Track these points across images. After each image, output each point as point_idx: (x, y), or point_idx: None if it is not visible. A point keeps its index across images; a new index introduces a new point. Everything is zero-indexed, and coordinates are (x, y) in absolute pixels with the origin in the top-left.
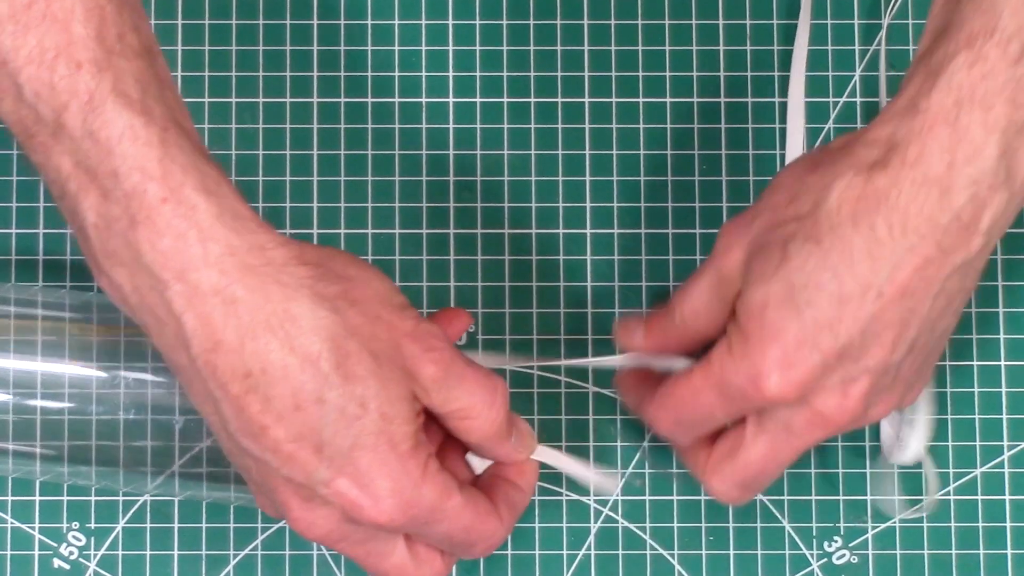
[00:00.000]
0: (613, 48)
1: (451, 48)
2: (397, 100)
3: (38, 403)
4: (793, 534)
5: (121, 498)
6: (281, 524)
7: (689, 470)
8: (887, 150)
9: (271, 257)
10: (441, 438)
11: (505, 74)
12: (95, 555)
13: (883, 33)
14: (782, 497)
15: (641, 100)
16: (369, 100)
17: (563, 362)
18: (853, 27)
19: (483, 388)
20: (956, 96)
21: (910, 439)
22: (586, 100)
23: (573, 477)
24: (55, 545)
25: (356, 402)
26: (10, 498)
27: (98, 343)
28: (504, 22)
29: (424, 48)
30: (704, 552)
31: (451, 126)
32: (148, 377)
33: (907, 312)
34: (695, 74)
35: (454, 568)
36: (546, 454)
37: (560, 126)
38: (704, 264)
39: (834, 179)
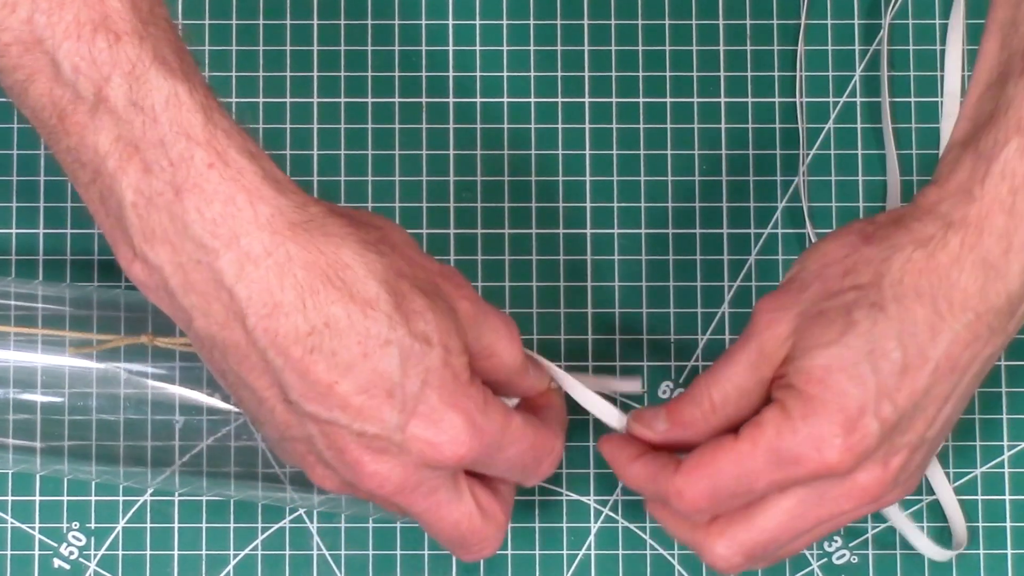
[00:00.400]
0: (613, 48)
1: (451, 48)
2: (397, 100)
3: (38, 398)
4: None
5: (121, 498)
6: (281, 524)
7: (678, 535)
8: (945, 229)
9: (313, 213)
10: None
11: (505, 74)
12: (95, 555)
13: (883, 33)
14: None
15: (641, 100)
16: (369, 100)
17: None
18: (853, 27)
19: (504, 325)
20: (1011, 184)
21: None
22: (586, 100)
23: (590, 399)
24: (55, 545)
25: (420, 338)
26: (10, 498)
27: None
28: (504, 22)
29: (424, 48)
30: None
31: (451, 126)
32: (149, 369)
33: (951, 387)
34: (695, 74)
35: (453, 568)
36: (563, 380)
37: (560, 126)
38: (740, 343)
39: (894, 252)
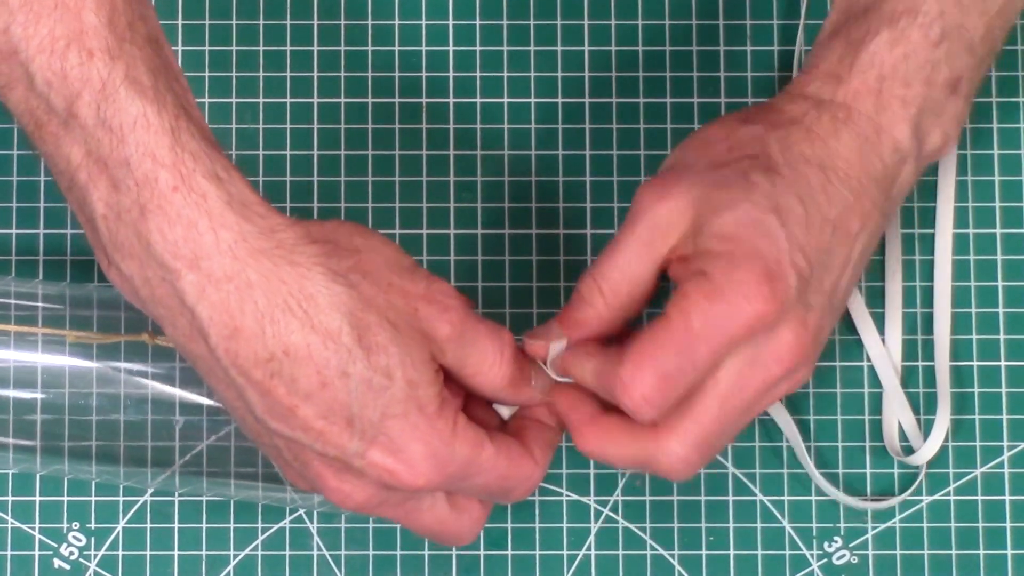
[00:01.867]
0: (613, 48)
1: (451, 48)
2: (397, 100)
3: (38, 396)
4: (793, 534)
5: (121, 498)
6: (281, 524)
7: (626, 454)
8: (817, 108)
9: (281, 239)
10: (465, 390)
11: (506, 74)
12: (95, 555)
13: None
14: (782, 497)
15: (641, 100)
16: (369, 100)
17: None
18: None
19: (492, 343)
20: (879, 71)
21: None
22: (586, 100)
23: None
24: (55, 545)
25: (381, 372)
26: (10, 498)
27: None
28: (504, 22)
29: (424, 48)
30: (704, 552)
31: (451, 126)
32: (149, 370)
33: (847, 252)
34: (695, 74)
35: (453, 569)
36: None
37: (560, 126)
38: (625, 229)
39: (774, 128)
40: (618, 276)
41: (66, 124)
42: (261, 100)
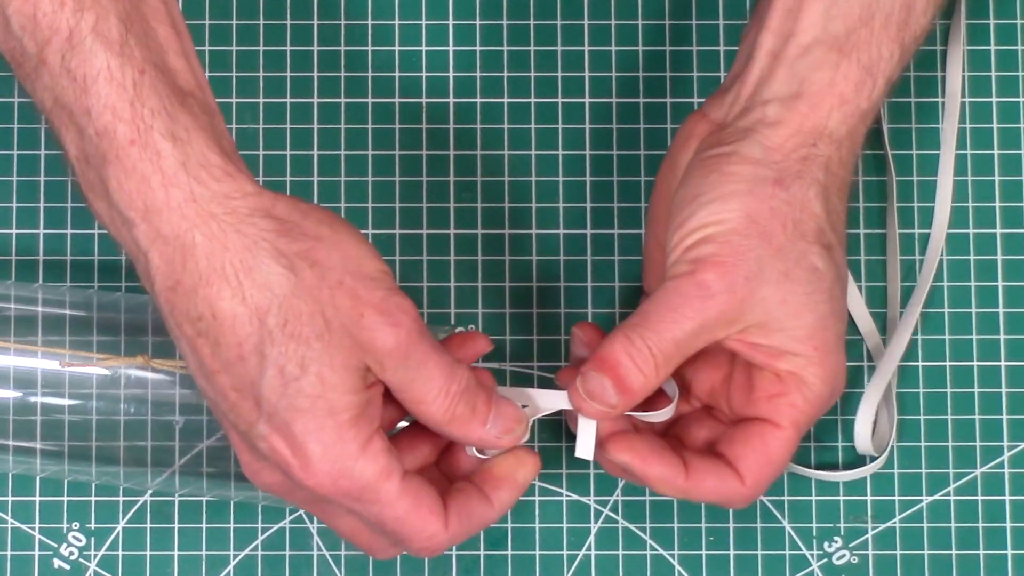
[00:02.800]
0: (613, 48)
1: (451, 48)
2: (397, 100)
3: (38, 400)
4: (793, 534)
5: (121, 498)
6: (281, 524)
7: (709, 497)
8: (838, 146)
9: (235, 207)
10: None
11: (506, 74)
12: (95, 555)
13: None
14: (782, 497)
15: (641, 100)
16: (369, 100)
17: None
18: None
19: (441, 374)
20: (888, 90)
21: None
22: (586, 100)
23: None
24: (55, 545)
25: (296, 362)
26: (10, 498)
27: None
28: (504, 22)
29: (424, 48)
30: (704, 552)
31: (451, 126)
32: (148, 376)
33: None
34: (695, 74)
35: (453, 569)
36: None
37: (560, 126)
38: (688, 307)
39: (816, 188)
40: (674, 350)
41: (37, 69)
42: (261, 100)
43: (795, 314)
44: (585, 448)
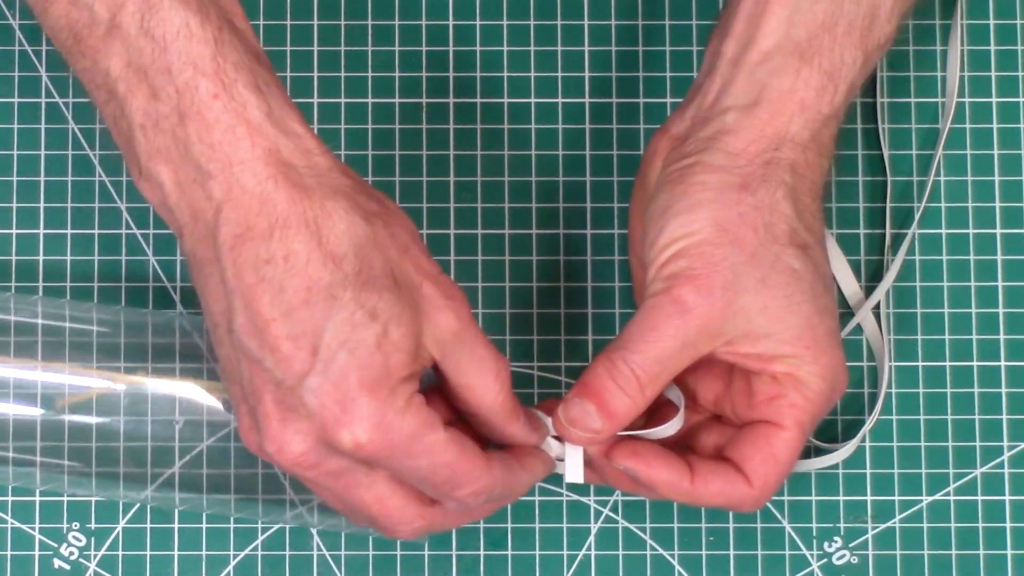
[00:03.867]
0: (613, 48)
1: (451, 49)
2: (397, 101)
3: (38, 411)
4: (793, 534)
5: (121, 499)
6: (281, 524)
7: (715, 501)
8: (803, 150)
9: (316, 162)
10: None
11: (506, 75)
12: (95, 555)
13: None
14: (782, 498)
15: (641, 101)
16: (369, 100)
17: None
18: None
19: (492, 359)
20: (850, 96)
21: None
22: (586, 100)
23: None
24: (55, 545)
25: (366, 310)
26: (10, 498)
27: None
28: (504, 23)
29: (424, 49)
30: (704, 552)
31: (451, 127)
32: (148, 384)
33: None
34: (695, 75)
35: (453, 569)
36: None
37: (560, 126)
38: (668, 323)
39: (782, 190)
40: (658, 369)
41: (108, 35)
42: None
43: (778, 318)
44: (574, 472)
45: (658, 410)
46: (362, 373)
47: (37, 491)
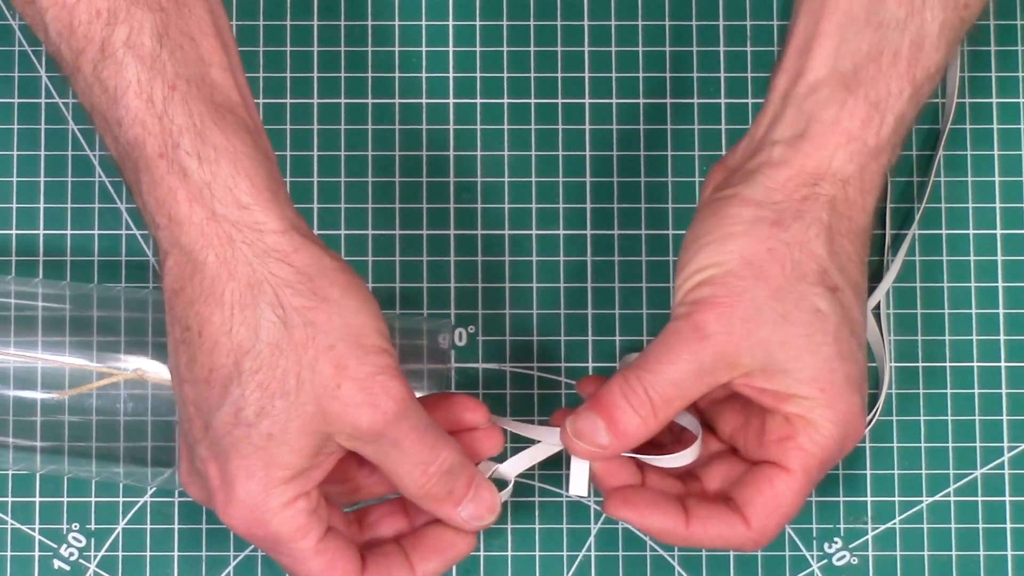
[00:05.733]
0: (613, 49)
1: (451, 49)
2: (397, 101)
3: (38, 395)
4: (793, 535)
5: (121, 499)
6: None
7: (718, 543)
8: (844, 185)
9: (255, 239)
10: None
11: (505, 75)
12: (95, 556)
13: None
14: None
15: (641, 101)
16: (369, 101)
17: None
18: None
19: (421, 454)
20: (899, 130)
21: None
22: (586, 101)
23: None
24: (55, 546)
25: (254, 410)
26: (10, 499)
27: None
28: (504, 23)
29: (424, 49)
30: (704, 553)
31: (451, 127)
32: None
33: None
34: (695, 75)
35: (453, 568)
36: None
37: (560, 127)
38: (686, 348)
39: (816, 228)
40: (673, 392)
41: (73, 76)
42: (262, 100)
43: (796, 356)
44: (578, 485)
45: (677, 438)
46: (240, 464)
47: (37, 492)
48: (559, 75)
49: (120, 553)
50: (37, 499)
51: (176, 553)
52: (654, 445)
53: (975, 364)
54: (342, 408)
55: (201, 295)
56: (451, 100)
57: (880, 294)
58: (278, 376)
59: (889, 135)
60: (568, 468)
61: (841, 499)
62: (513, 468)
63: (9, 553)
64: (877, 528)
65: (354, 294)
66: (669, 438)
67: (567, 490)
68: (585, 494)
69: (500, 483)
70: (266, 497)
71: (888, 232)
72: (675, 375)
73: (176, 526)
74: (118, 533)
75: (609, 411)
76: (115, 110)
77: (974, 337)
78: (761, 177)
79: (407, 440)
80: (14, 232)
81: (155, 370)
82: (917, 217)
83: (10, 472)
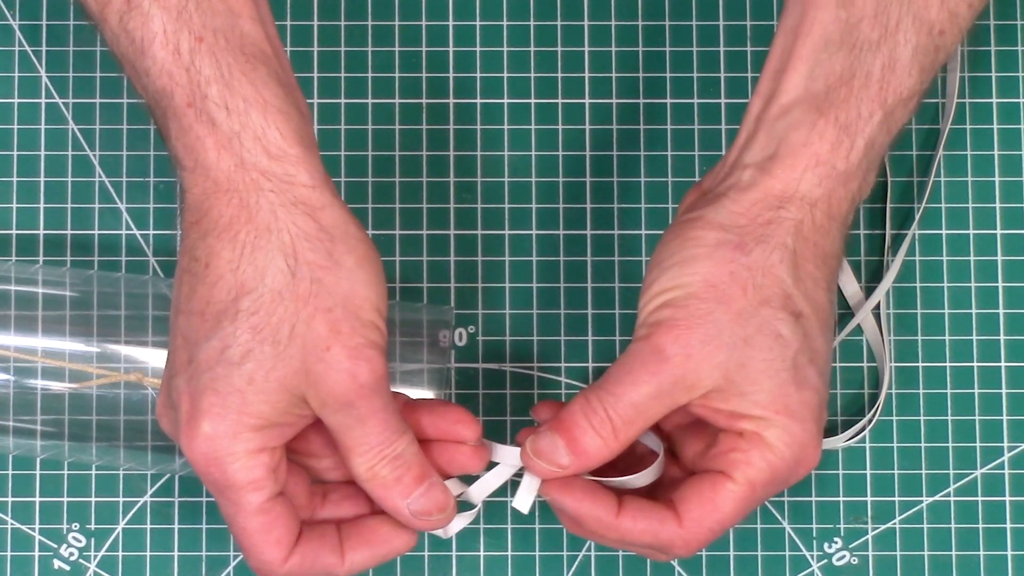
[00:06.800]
0: (614, 49)
1: (451, 49)
2: (397, 101)
3: (38, 382)
4: (793, 535)
5: (121, 499)
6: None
7: (644, 539)
8: (811, 209)
9: (284, 189)
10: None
11: (506, 75)
12: (95, 556)
13: None
14: (782, 498)
15: (641, 101)
16: (370, 101)
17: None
18: None
19: (379, 433)
20: (870, 155)
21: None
22: (587, 101)
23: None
24: (55, 546)
25: (240, 350)
26: (10, 499)
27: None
28: (504, 23)
29: (424, 49)
30: (704, 553)
31: (451, 127)
32: (149, 365)
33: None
34: (695, 75)
35: (453, 569)
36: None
37: (560, 127)
38: (647, 370)
39: (776, 251)
40: (633, 414)
41: (100, 25)
42: None
43: (754, 380)
44: (523, 501)
45: (639, 460)
46: (214, 401)
47: (37, 492)
48: (559, 75)
49: (120, 553)
50: (37, 499)
51: (176, 553)
52: (614, 468)
53: (975, 364)
54: (325, 369)
55: (215, 229)
56: (451, 100)
57: (880, 294)
58: (273, 323)
59: (859, 160)
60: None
61: (841, 499)
62: (480, 492)
63: (9, 553)
64: (877, 528)
65: (367, 267)
66: (632, 460)
67: (512, 503)
68: (525, 511)
69: (466, 505)
70: (232, 440)
71: (888, 232)
72: (635, 397)
73: (176, 526)
74: (118, 533)
75: (570, 431)
76: (142, 60)
77: (974, 337)
78: (727, 201)
79: (373, 418)
80: (14, 232)
81: (154, 374)
82: (917, 217)
83: (10, 460)
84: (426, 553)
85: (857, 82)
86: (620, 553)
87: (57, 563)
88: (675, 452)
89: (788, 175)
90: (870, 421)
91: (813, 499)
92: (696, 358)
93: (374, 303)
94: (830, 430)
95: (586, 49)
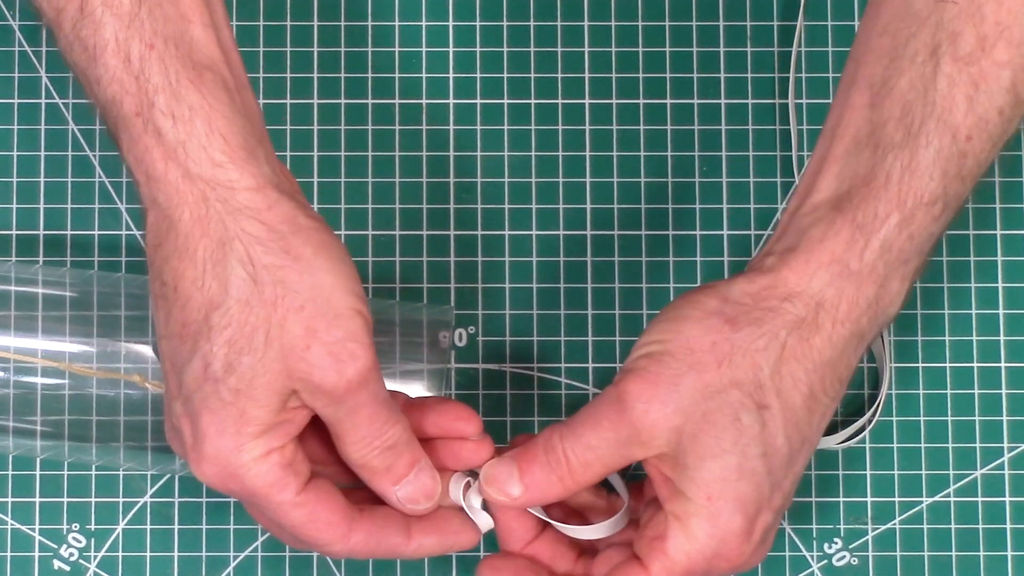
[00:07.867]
0: (614, 49)
1: (451, 49)
2: (397, 102)
3: (38, 380)
4: (793, 536)
5: (121, 499)
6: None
7: None
8: (816, 310)
9: (228, 197)
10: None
11: (505, 75)
12: (95, 556)
13: None
14: None
15: (641, 101)
16: (369, 101)
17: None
18: (853, 28)
19: (370, 424)
20: (887, 259)
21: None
22: (587, 101)
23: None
24: (55, 547)
25: (221, 364)
26: (10, 499)
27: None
28: (504, 23)
29: (424, 49)
30: None
31: (451, 127)
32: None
33: (811, 453)
34: (695, 75)
35: (453, 569)
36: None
37: (560, 127)
38: (609, 418)
39: (766, 339)
40: (590, 457)
41: (53, 33)
42: (262, 101)
43: (701, 456)
44: (484, 520)
45: (610, 506)
46: (211, 420)
47: (37, 492)
48: (559, 75)
49: (120, 553)
50: (37, 499)
51: (176, 553)
52: (578, 514)
53: (975, 364)
54: (308, 368)
55: (176, 251)
56: (451, 100)
57: None
58: (246, 332)
59: (873, 261)
60: None
61: (841, 499)
62: (486, 520)
63: (9, 553)
64: (877, 528)
65: (327, 253)
66: (603, 505)
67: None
68: (481, 532)
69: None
70: (238, 452)
71: None
72: (593, 441)
73: (176, 526)
74: (118, 533)
75: (527, 463)
76: (94, 68)
77: (974, 337)
78: (742, 279)
79: (363, 411)
80: (14, 232)
81: (154, 374)
82: None
83: (10, 460)
84: None
85: (877, 183)
86: None
87: (57, 563)
88: (642, 504)
89: (802, 268)
90: (870, 421)
91: (813, 499)
92: (653, 415)
93: (344, 286)
94: (830, 430)
95: (586, 49)
